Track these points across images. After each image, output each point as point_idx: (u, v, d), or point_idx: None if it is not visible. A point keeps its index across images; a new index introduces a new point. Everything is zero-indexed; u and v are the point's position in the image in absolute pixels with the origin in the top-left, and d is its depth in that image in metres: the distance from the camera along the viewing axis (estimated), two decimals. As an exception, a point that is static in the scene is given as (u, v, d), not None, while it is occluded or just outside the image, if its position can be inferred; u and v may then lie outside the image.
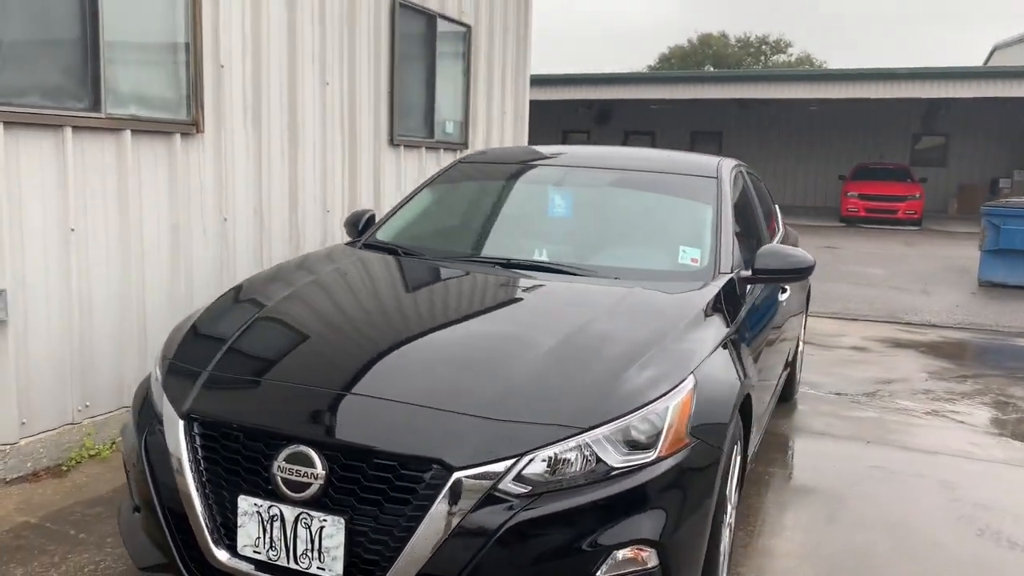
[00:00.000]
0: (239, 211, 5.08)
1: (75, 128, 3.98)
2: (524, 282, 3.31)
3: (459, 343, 2.80)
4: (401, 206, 4.25)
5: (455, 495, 2.20)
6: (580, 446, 2.31)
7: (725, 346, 2.93)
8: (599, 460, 2.31)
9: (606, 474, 2.31)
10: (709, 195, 3.85)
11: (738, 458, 3.00)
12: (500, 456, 2.25)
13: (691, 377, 2.59)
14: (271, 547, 2.34)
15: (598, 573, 2.28)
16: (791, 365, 5.39)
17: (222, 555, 2.40)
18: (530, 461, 2.26)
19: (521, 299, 3.25)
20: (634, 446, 2.37)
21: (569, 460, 2.29)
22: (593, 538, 2.27)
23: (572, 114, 28.71)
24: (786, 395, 5.62)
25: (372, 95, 6.36)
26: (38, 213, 3.87)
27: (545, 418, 2.33)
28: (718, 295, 3.21)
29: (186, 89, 4.66)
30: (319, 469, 2.29)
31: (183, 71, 4.64)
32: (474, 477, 2.21)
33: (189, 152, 4.68)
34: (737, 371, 2.90)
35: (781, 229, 5.31)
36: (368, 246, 3.84)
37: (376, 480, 2.26)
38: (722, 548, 2.75)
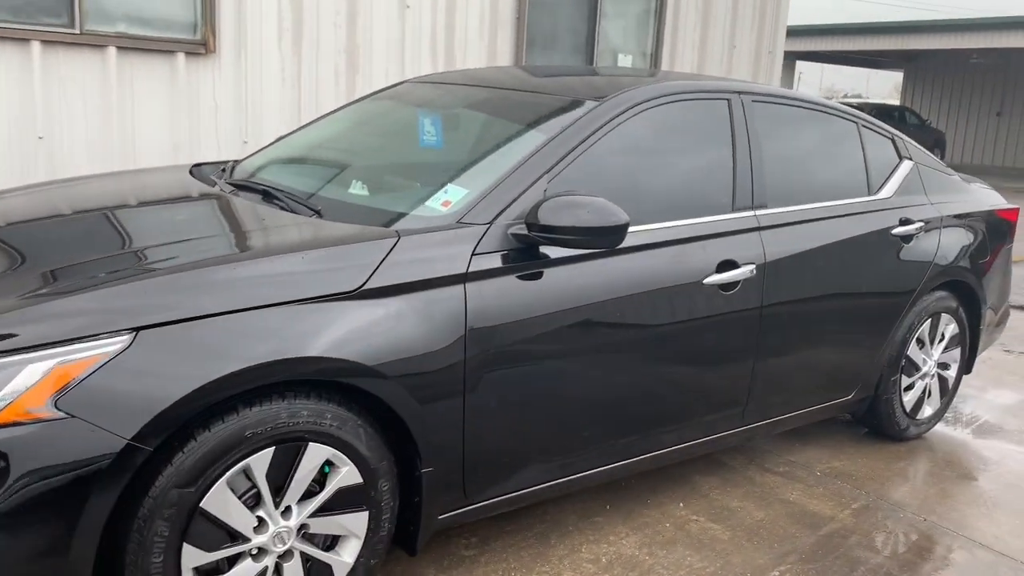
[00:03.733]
0: (267, 135, 5.03)
1: (44, 43, 4.30)
2: (208, 207, 2.78)
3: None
4: (298, 129, 3.80)
5: None
6: None
7: (315, 312, 2.13)
8: None
9: None
10: (554, 126, 2.80)
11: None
12: None
13: (121, 337, 1.93)
14: None
15: None
16: (886, 390, 3.66)
17: None
18: None
19: (158, 217, 2.75)
20: None
21: None
22: None
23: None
24: (888, 431, 3.84)
25: (487, 18, 5.76)
26: (3, 119, 4.29)
27: None
28: (376, 246, 2.30)
29: (193, 8, 4.71)
30: None
31: (191, -10, 4.71)
32: None
33: (198, 72, 4.76)
34: (280, 344, 2.06)
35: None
36: (232, 172, 3.52)
37: None
38: None
